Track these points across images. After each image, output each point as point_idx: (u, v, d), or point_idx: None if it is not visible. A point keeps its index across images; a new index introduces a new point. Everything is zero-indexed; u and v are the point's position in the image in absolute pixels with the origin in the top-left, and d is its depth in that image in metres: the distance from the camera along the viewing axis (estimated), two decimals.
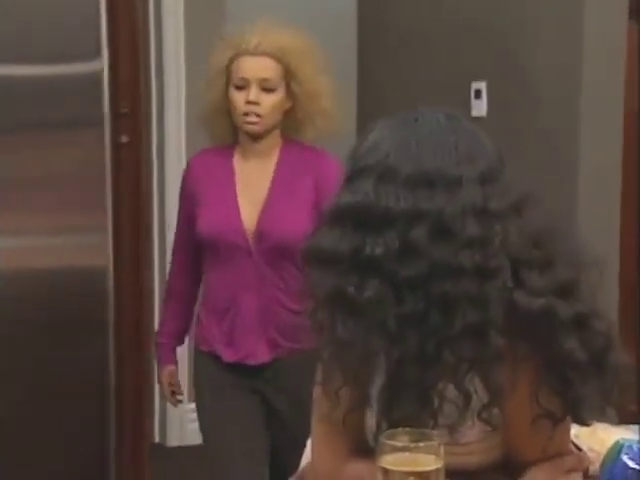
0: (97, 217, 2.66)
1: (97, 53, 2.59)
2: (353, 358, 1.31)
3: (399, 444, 1.25)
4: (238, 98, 2.44)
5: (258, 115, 2.44)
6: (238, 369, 2.47)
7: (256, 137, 2.50)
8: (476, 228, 1.28)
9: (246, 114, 2.45)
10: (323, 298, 1.34)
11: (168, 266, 2.63)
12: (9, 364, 2.52)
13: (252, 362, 2.47)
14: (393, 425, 1.29)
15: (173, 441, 4.17)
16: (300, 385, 2.10)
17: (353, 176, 1.36)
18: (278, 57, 2.47)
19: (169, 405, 3.99)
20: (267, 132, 2.51)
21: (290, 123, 2.55)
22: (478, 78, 3.45)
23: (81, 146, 2.61)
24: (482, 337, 1.28)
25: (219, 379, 2.49)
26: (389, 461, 1.25)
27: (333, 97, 2.55)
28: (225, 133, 2.55)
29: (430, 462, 1.25)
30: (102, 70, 2.61)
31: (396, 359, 1.29)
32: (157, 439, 4.20)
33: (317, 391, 1.43)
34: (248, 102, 2.44)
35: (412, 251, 1.28)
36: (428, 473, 1.24)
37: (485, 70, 3.44)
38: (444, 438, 1.26)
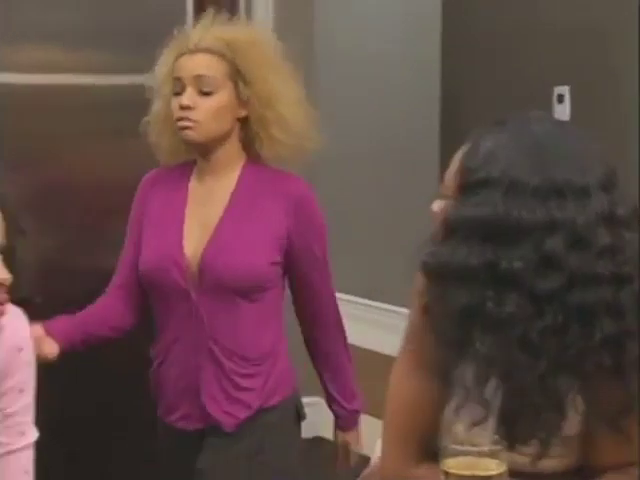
0: None
1: None
2: (493, 373, 1.31)
3: (462, 448, 1.28)
4: (174, 104, 2.06)
5: (193, 120, 2.03)
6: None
7: (203, 150, 2.10)
8: (607, 236, 1.28)
9: (180, 119, 2.06)
10: (456, 315, 1.30)
11: None
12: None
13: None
14: (513, 436, 1.32)
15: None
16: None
17: (472, 188, 1.32)
18: (220, 52, 2.06)
19: None
20: (215, 144, 2.09)
21: (248, 136, 2.12)
22: (561, 82, 3.44)
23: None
24: (620, 346, 1.28)
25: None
26: (451, 464, 1.27)
27: (297, 105, 2.12)
28: (173, 149, 2.16)
29: (493, 467, 1.26)
30: None
31: (539, 372, 1.28)
32: None
33: (396, 376, 1.48)
34: (181, 106, 2.05)
35: (551, 263, 1.26)
36: (490, 478, 1.25)
37: (568, 74, 3.42)
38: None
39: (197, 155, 2.13)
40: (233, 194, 2.09)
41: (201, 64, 2.06)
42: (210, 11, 2.14)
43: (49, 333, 1.93)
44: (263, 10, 3.99)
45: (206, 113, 2.03)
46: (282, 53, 2.15)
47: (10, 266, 1.31)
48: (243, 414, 2.07)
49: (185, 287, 2.02)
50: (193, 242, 2.06)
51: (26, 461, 1.47)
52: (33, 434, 1.50)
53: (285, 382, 2.16)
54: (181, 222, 2.08)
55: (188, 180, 2.14)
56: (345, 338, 2.25)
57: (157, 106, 2.13)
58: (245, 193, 2.10)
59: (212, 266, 2.02)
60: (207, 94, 2.04)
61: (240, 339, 2.06)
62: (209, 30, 2.10)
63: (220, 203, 2.09)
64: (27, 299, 1.45)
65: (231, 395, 2.06)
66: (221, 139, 2.08)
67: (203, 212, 2.09)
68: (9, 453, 1.46)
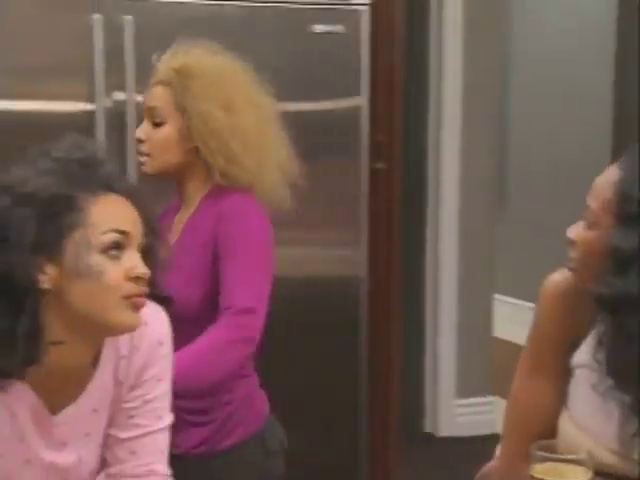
0: (353, 233, 2.90)
1: (356, 91, 2.85)
2: None
3: (550, 455, 1.35)
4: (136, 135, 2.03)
5: (146, 154, 1.99)
6: None
7: (179, 183, 2.02)
8: None
9: (139, 153, 2.03)
10: (636, 346, 1.36)
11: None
12: (280, 358, 2.77)
13: None
14: None
15: (443, 431, 4.32)
16: None
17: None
18: (167, 83, 1.98)
19: (440, 397, 4.25)
20: (174, 175, 2.02)
21: (206, 166, 1.99)
22: None
23: (342, 171, 2.88)
24: None
25: None
26: (539, 470, 1.35)
27: (248, 137, 1.98)
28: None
29: (579, 474, 1.34)
30: (361, 106, 2.85)
31: None
32: (428, 429, 4.40)
33: (518, 378, 1.57)
34: (137, 140, 2.02)
35: None
36: None
37: None
38: None
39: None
40: (185, 226, 2.02)
41: (154, 95, 2.01)
42: (184, 41, 2.04)
43: None
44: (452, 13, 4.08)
45: (155, 145, 1.98)
46: (252, 82, 2.04)
47: (149, 265, 1.41)
48: (196, 450, 1.95)
49: None
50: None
51: (161, 442, 1.54)
52: (168, 418, 1.56)
53: (247, 417, 2.01)
54: None
55: (175, 213, 2.09)
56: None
57: None
58: (192, 223, 2.01)
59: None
60: (158, 125, 1.98)
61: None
62: (169, 60, 2.02)
63: (177, 235, 2.02)
64: (165, 298, 1.55)
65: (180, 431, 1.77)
66: (179, 170, 2.00)
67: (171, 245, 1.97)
68: (146, 434, 1.53)
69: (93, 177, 1.36)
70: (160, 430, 1.51)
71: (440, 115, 4.13)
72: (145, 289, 1.38)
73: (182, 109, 1.95)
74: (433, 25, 4.08)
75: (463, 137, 4.09)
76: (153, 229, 1.46)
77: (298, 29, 2.78)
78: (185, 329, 1.77)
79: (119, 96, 2.65)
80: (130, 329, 1.39)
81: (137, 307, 1.36)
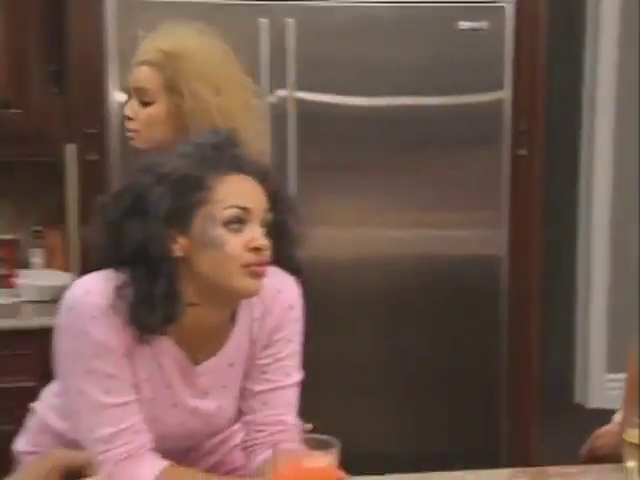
0: (495, 215, 3.05)
1: (500, 85, 3.00)
2: None
3: None
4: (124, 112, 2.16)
5: (134, 130, 2.12)
6: None
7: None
8: None
9: (126, 128, 2.15)
10: None
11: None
12: (425, 332, 3.05)
13: None
14: None
15: (593, 403, 4.41)
16: None
17: None
18: (155, 64, 2.07)
19: (591, 371, 4.32)
20: (164, 149, 2.02)
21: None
22: None
23: (485, 158, 3.04)
24: None
25: None
26: (630, 435, 1.50)
27: (234, 116, 2.05)
28: None
29: None
30: (505, 99, 3.00)
31: None
32: (577, 399, 4.50)
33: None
34: (124, 116, 2.16)
35: None
36: None
37: None
38: None
39: None
40: None
41: (141, 76, 2.10)
42: (168, 21, 2.15)
43: None
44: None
45: (144, 122, 2.09)
46: (236, 63, 2.14)
47: (279, 239, 1.59)
48: None
49: None
50: None
51: (290, 396, 1.70)
52: (297, 376, 1.73)
53: None
54: None
55: None
56: None
57: None
58: None
59: None
60: (146, 104, 2.08)
61: None
62: (154, 40, 2.11)
63: None
64: (297, 269, 1.72)
65: None
66: (166, 145, 2.03)
67: None
68: (277, 389, 1.69)
69: (222, 159, 1.56)
70: (289, 386, 1.70)
71: (594, 100, 4.19)
72: (265, 259, 1.55)
73: (171, 90, 2.04)
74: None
75: (617, 121, 4.13)
76: (283, 207, 1.63)
77: (444, 26, 2.95)
78: None
79: (281, 93, 2.90)
80: (251, 294, 1.58)
81: (257, 275, 1.54)
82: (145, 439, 1.61)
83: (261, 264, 1.55)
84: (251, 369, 1.70)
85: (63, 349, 1.60)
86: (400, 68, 2.96)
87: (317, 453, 1.42)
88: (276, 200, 1.62)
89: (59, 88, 3.14)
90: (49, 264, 3.43)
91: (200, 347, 1.64)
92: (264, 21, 2.85)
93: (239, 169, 1.57)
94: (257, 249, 1.53)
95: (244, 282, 1.54)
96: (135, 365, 1.59)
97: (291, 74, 2.89)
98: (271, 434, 1.67)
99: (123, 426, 1.58)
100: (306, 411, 1.82)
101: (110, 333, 1.55)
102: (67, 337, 1.59)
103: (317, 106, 2.94)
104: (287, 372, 1.71)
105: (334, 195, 2.97)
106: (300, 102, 2.91)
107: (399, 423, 3.07)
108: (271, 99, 2.88)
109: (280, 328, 1.69)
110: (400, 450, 2.93)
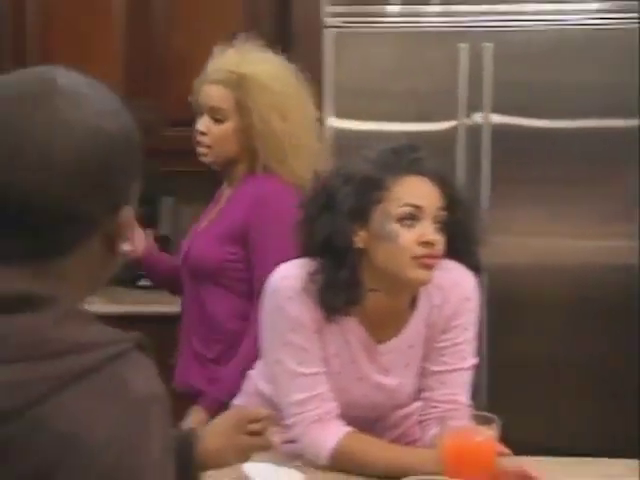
0: (626, 226, 3.01)
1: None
2: None
3: None
4: (197, 127, 2.30)
5: (207, 146, 2.28)
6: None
7: (219, 167, 2.34)
8: None
9: (197, 142, 2.31)
10: None
11: None
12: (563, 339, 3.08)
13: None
14: None
15: None
16: None
17: None
18: (229, 85, 2.23)
19: None
20: (228, 163, 2.33)
21: (254, 157, 2.28)
22: None
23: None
24: None
25: None
26: None
27: (304, 139, 2.28)
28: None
29: None
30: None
31: None
32: None
33: None
34: (197, 131, 2.30)
35: None
36: None
37: None
38: None
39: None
40: (225, 203, 2.35)
41: (215, 95, 2.25)
42: (238, 40, 2.31)
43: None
44: None
45: (216, 139, 2.26)
46: (300, 85, 2.29)
47: (456, 236, 1.76)
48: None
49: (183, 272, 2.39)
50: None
51: (465, 378, 1.85)
52: (472, 360, 1.87)
53: None
54: (203, 226, 2.39)
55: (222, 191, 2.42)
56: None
57: None
58: (233, 199, 2.32)
59: (185, 258, 2.35)
60: (219, 121, 2.25)
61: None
62: (227, 61, 2.26)
63: (218, 209, 2.37)
64: (475, 267, 1.86)
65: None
66: (231, 159, 2.30)
67: (210, 217, 2.39)
68: (452, 370, 1.84)
69: (401, 162, 1.74)
70: (464, 369, 1.85)
71: None
72: (435, 252, 1.71)
73: (243, 109, 2.22)
74: None
75: None
76: (461, 207, 1.79)
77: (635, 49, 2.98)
78: (198, 283, 2.28)
79: (477, 117, 3.05)
80: (421, 284, 1.75)
81: (426, 266, 1.71)
82: (332, 407, 1.81)
83: (431, 256, 1.72)
84: (430, 351, 1.87)
85: (265, 324, 1.84)
86: (590, 89, 3.03)
87: (480, 428, 1.59)
88: (453, 200, 1.78)
89: None
90: None
91: (382, 329, 1.83)
92: (463, 46, 3.02)
93: (416, 171, 1.75)
94: (427, 243, 1.71)
95: (415, 272, 1.72)
96: (325, 341, 1.81)
97: (487, 98, 3.03)
98: (444, 411, 1.83)
99: (314, 393, 1.79)
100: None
101: (303, 311, 1.77)
102: (268, 314, 1.83)
103: (509, 127, 3.06)
104: (463, 356, 1.86)
105: (522, 207, 3.08)
106: (496, 126, 3.05)
107: (579, 420, 3.08)
108: (466, 122, 3.05)
109: (457, 316, 1.84)
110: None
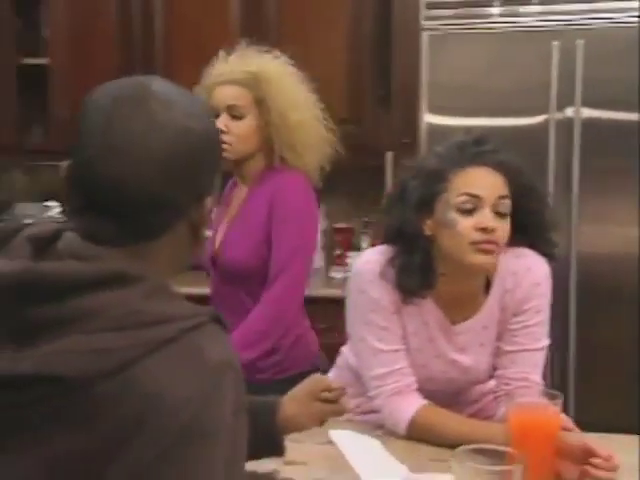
0: None
1: None
2: None
3: None
4: None
5: (227, 142, 2.32)
6: None
7: (235, 165, 2.40)
8: None
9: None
10: None
11: None
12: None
13: None
14: None
15: None
16: None
17: None
18: (246, 84, 2.34)
19: None
20: (246, 158, 2.40)
21: (270, 151, 2.38)
22: None
23: None
24: None
25: None
26: None
27: (315, 130, 2.40)
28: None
29: None
30: None
31: None
32: None
33: None
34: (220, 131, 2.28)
35: None
36: None
37: None
38: None
39: (233, 166, 2.41)
40: (245, 198, 2.42)
41: (230, 94, 2.34)
42: (241, 44, 2.41)
43: None
44: None
45: (236, 136, 2.34)
46: (301, 81, 2.40)
47: (523, 223, 1.87)
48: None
49: (211, 269, 2.47)
50: (218, 240, 2.44)
51: (537, 358, 1.93)
52: (544, 342, 1.92)
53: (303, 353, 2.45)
54: (220, 224, 2.46)
55: (235, 187, 2.49)
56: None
57: None
58: (251, 197, 2.40)
59: (221, 259, 2.41)
60: (237, 118, 2.34)
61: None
62: (238, 62, 2.37)
63: (238, 207, 2.44)
64: (548, 253, 1.95)
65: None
66: (250, 155, 2.39)
67: (230, 215, 2.46)
68: (524, 351, 1.92)
69: (464, 155, 1.86)
70: (536, 349, 1.94)
71: None
72: (493, 238, 1.81)
73: (261, 106, 2.33)
74: None
75: None
76: (532, 195, 1.90)
77: None
78: (237, 283, 2.35)
79: (568, 111, 3.14)
80: (480, 268, 1.87)
81: (484, 251, 1.82)
82: (411, 381, 1.96)
83: (489, 242, 1.82)
84: (503, 332, 1.98)
85: (350, 305, 2.01)
86: None
87: (545, 403, 1.69)
88: (523, 189, 1.89)
89: (384, 108, 3.74)
90: None
91: (457, 311, 1.97)
92: (556, 43, 3.10)
93: (478, 163, 1.86)
94: (485, 229, 1.82)
95: (474, 257, 1.84)
96: (404, 321, 1.96)
97: (578, 93, 3.11)
98: (516, 388, 1.93)
99: (393, 368, 1.95)
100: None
101: (382, 294, 1.94)
102: (352, 296, 2.00)
103: (599, 121, 3.14)
104: (536, 337, 1.96)
105: (612, 197, 3.16)
106: (587, 120, 3.13)
107: None
108: (558, 117, 3.14)
109: (528, 300, 1.94)
110: None
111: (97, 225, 1.13)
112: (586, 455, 1.62)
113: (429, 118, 3.27)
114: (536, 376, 1.96)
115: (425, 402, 1.94)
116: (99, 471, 1.02)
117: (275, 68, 2.40)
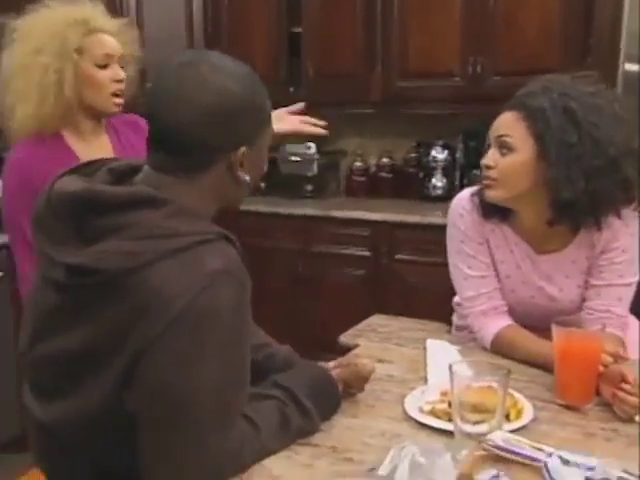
0: None
1: None
2: None
3: None
4: (104, 76, 2.18)
5: (122, 92, 2.25)
6: None
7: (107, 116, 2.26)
8: None
9: (116, 94, 2.22)
10: None
11: None
12: None
13: None
14: None
15: None
16: None
17: None
18: (118, 35, 2.24)
19: None
20: None
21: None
22: None
23: None
24: None
25: None
26: None
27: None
28: (59, 115, 2.17)
29: None
30: None
31: None
32: None
33: None
34: (118, 81, 2.21)
35: None
36: None
37: None
38: None
39: (91, 120, 2.25)
40: (113, 146, 2.29)
41: (119, 45, 2.23)
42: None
43: None
44: None
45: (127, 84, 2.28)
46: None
47: None
48: None
49: None
50: None
51: (620, 293, 1.97)
52: (630, 279, 1.96)
53: None
54: None
55: (66, 145, 2.23)
56: None
57: (54, 76, 2.15)
58: (120, 143, 2.31)
59: None
60: (123, 68, 2.26)
61: None
62: (107, 16, 2.25)
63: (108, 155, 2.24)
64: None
65: None
66: None
67: None
68: (608, 285, 1.98)
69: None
70: (620, 285, 1.99)
71: None
72: (488, 174, 1.93)
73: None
74: None
75: None
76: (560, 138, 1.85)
77: None
78: None
79: None
80: (490, 200, 1.99)
81: (485, 186, 1.96)
82: (498, 304, 2.10)
83: (487, 178, 1.95)
84: (591, 267, 2.04)
85: (447, 237, 2.17)
86: None
87: (589, 330, 1.78)
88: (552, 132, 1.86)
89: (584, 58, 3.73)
90: None
91: (544, 244, 2.05)
92: None
93: (508, 107, 1.94)
94: (485, 167, 1.96)
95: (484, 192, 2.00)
96: (492, 250, 2.11)
97: None
98: (598, 318, 1.99)
99: (481, 291, 2.10)
100: None
101: (469, 226, 2.10)
102: (448, 229, 2.17)
103: None
104: (620, 274, 2.00)
105: None
106: None
107: None
108: None
109: (615, 239, 1.99)
110: None
111: (161, 159, 1.41)
112: (620, 380, 1.68)
113: (628, 67, 3.22)
114: (618, 309, 2.01)
115: (509, 323, 2.07)
116: (121, 341, 1.29)
117: (125, 23, 2.36)
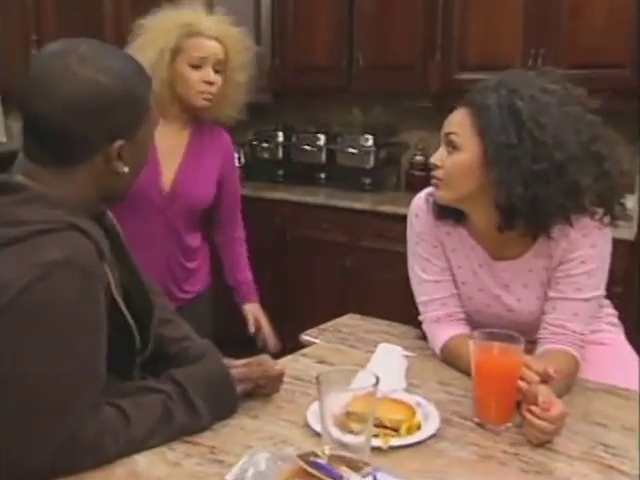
0: None
1: None
2: None
3: None
4: (195, 76, 2.39)
5: (212, 94, 2.45)
6: None
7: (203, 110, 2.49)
8: None
9: (203, 92, 2.42)
10: None
11: None
12: None
13: None
14: None
15: None
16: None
17: None
18: (223, 42, 2.44)
19: None
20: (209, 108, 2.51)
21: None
22: None
23: None
24: None
25: None
26: None
27: (246, 92, 2.54)
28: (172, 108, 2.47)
29: None
30: None
31: None
32: None
33: None
34: (207, 82, 2.41)
35: None
36: None
37: None
38: None
39: (184, 114, 2.50)
40: (188, 144, 2.52)
41: (220, 50, 2.44)
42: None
43: None
44: None
45: (218, 88, 2.47)
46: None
47: None
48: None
49: (163, 205, 2.49)
50: (166, 178, 2.47)
51: (576, 308, 1.81)
52: (589, 293, 1.79)
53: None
54: (158, 163, 2.46)
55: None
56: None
57: (163, 72, 2.40)
58: (196, 144, 2.53)
59: (181, 195, 2.49)
60: (219, 73, 2.45)
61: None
62: (214, 20, 2.46)
63: (181, 150, 2.53)
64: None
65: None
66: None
67: (170, 157, 2.49)
68: (564, 299, 1.82)
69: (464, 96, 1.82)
70: (577, 299, 1.81)
71: None
72: (435, 174, 1.85)
73: (225, 63, 2.47)
74: None
75: None
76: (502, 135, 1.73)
77: None
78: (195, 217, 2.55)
79: None
80: (436, 201, 1.89)
81: (433, 186, 1.87)
82: (452, 311, 1.99)
83: (433, 177, 1.87)
84: (550, 279, 1.89)
85: (407, 237, 2.07)
86: None
87: (507, 345, 1.61)
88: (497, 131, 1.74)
89: None
90: None
91: (500, 250, 1.92)
92: None
93: (461, 104, 1.82)
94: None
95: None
96: (447, 254, 2.00)
97: None
98: (552, 333, 1.85)
99: (434, 297, 2.00)
100: None
101: (425, 227, 2.00)
102: (407, 229, 2.06)
103: None
104: (577, 287, 1.83)
105: None
106: None
107: None
108: None
109: (573, 249, 1.82)
110: None
111: (30, 148, 1.43)
112: (532, 401, 1.56)
113: None
114: (573, 324, 1.85)
115: (460, 332, 1.96)
116: None
117: (237, 32, 2.53)
